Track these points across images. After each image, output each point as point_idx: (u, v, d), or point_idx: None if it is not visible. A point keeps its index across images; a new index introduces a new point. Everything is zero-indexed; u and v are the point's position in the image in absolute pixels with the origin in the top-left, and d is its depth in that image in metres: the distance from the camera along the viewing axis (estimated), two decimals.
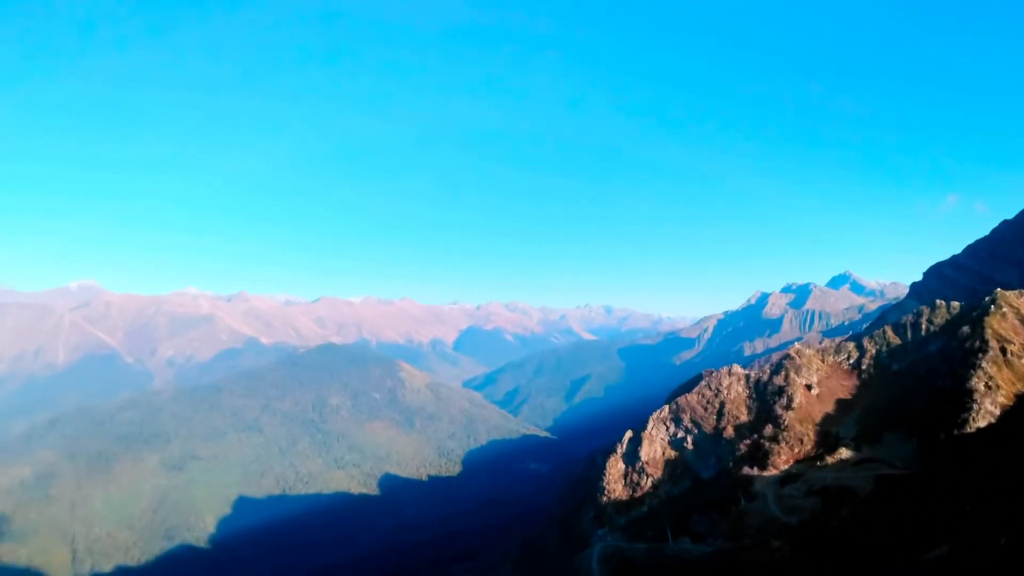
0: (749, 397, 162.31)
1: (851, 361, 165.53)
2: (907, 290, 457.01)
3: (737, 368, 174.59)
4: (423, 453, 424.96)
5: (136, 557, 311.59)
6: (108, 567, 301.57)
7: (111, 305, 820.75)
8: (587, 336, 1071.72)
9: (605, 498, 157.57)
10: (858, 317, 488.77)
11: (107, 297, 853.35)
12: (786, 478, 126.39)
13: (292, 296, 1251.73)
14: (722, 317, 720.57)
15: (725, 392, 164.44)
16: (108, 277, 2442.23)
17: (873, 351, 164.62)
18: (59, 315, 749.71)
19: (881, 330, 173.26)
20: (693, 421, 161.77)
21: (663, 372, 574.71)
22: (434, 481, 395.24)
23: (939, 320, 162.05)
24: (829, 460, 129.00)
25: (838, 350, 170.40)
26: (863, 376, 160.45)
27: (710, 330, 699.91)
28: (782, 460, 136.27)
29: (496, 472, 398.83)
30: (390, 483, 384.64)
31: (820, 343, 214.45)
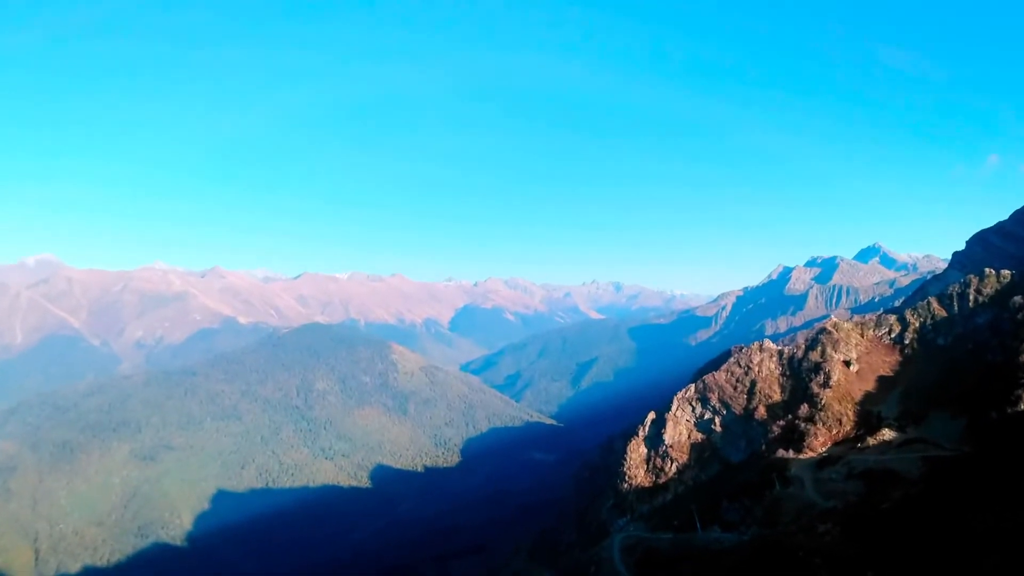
0: (782, 375, 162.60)
1: (893, 335, 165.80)
2: (942, 263, 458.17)
3: (769, 344, 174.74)
4: (418, 442, 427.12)
5: (105, 556, 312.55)
6: (75, 567, 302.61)
7: (73, 282, 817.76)
8: (594, 315, 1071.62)
9: (626, 485, 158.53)
10: (889, 292, 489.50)
11: (68, 273, 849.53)
12: (824, 461, 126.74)
13: (271, 272, 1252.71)
14: (741, 294, 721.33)
15: (756, 370, 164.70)
16: (68, 251, 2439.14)
17: (916, 324, 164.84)
18: (15, 293, 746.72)
19: (925, 302, 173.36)
20: (721, 401, 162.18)
21: (677, 354, 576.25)
22: (431, 472, 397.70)
23: (988, 290, 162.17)
24: (871, 442, 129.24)
25: (878, 323, 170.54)
26: (906, 351, 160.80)
27: (728, 308, 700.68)
28: (819, 442, 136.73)
29: (498, 462, 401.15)
30: (383, 475, 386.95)
31: (850, 319, 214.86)
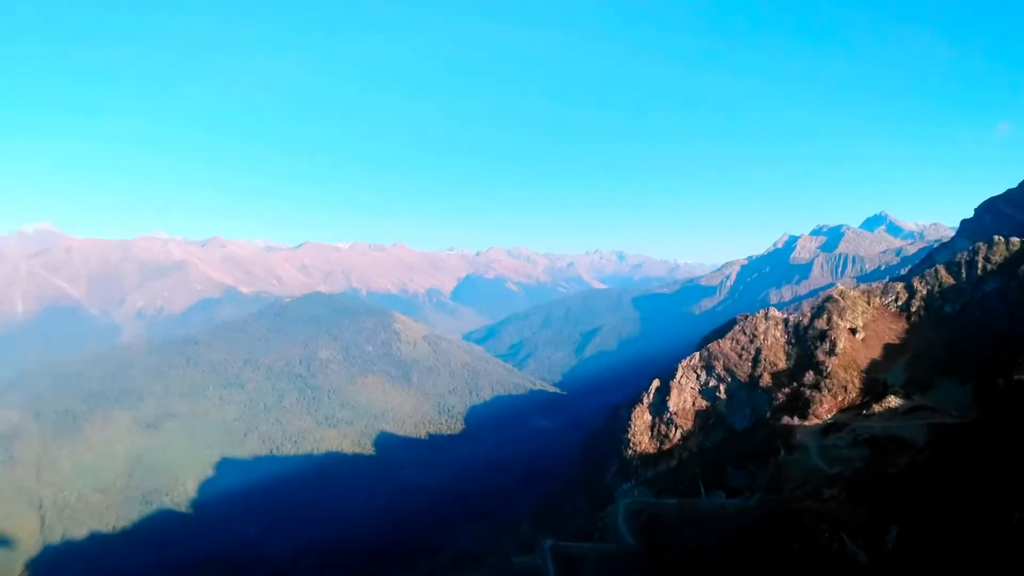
0: (788, 343, 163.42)
1: (899, 303, 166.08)
2: (949, 232, 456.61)
3: (774, 312, 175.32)
4: (421, 410, 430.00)
5: (111, 523, 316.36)
6: (81, 534, 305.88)
7: (72, 251, 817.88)
8: (597, 285, 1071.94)
9: (630, 451, 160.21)
10: (896, 261, 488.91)
11: (67, 242, 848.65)
12: (829, 428, 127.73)
13: (272, 241, 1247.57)
14: (746, 263, 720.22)
15: (761, 338, 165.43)
16: (66, 220, 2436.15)
17: (924, 292, 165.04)
18: (14, 262, 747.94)
19: (932, 269, 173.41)
20: (726, 369, 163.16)
21: (681, 323, 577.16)
22: (434, 439, 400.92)
23: (997, 258, 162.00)
24: (876, 408, 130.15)
25: (885, 291, 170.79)
26: (913, 319, 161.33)
27: (733, 277, 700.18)
28: (824, 409, 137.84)
29: (501, 430, 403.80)
30: (386, 442, 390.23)
31: (856, 288, 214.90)
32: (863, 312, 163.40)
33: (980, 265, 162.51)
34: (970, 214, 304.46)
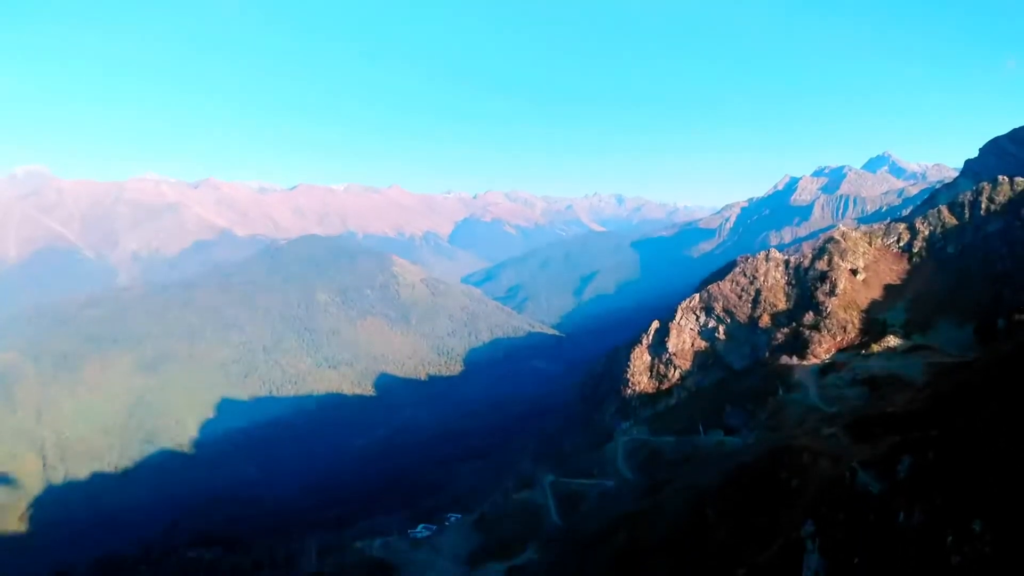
0: (788, 284, 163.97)
1: (901, 244, 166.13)
2: (953, 172, 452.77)
3: (775, 253, 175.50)
4: (421, 352, 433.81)
5: (113, 463, 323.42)
6: (83, 474, 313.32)
7: (64, 193, 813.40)
8: (596, 228, 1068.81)
9: (629, 391, 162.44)
10: (897, 202, 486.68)
11: (59, 184, 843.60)
12: (828, 368, 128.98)
13: (266, 183, 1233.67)
14: (746, 205, 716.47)
15: (762, 279, 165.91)
16: (57, 162, 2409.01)
17: (926, 232, 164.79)
18: (6, 205, 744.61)
19: (935, 210, 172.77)
20: (726, 310, 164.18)
21: (680, 266, 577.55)
22: (434, 381, 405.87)
23: (1001, 198, 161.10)
24: (875, 348, 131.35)
25: (887, 232, 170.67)
26: (914, 260, 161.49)
27: (732, 219, 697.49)
28: (823, 349, 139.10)
29: (501, 371, 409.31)
30: (387, 383, 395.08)
31: (856, 229, 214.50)
32: (864, 253, 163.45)
33: (983, 205, 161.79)
34: (975, 155, 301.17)
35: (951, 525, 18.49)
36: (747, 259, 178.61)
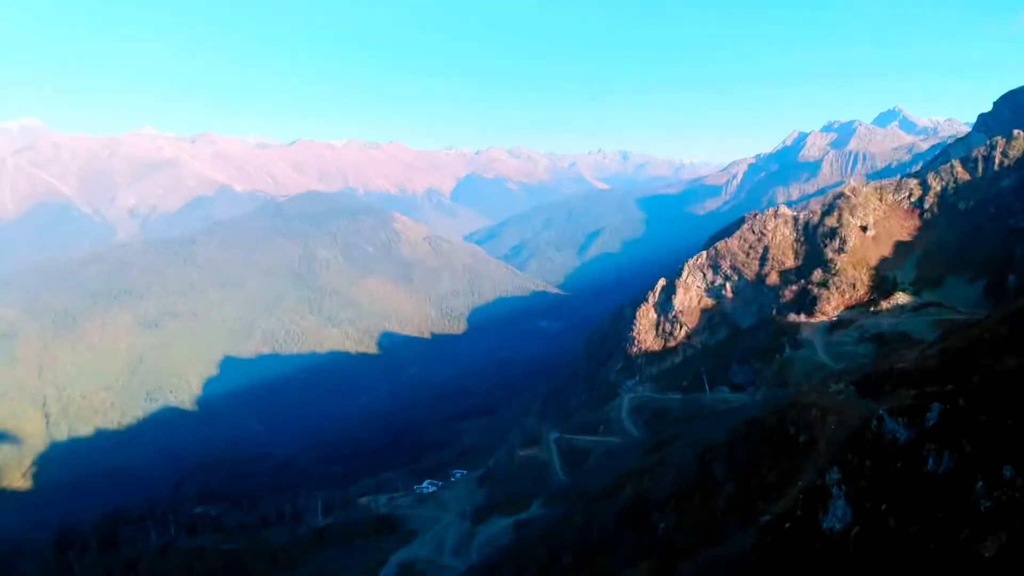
0: (796, 240, 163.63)
1: (912, 200, 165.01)
2: (965, 127, 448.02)
3: (784, 209, 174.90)
4: (424, 310, 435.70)
5: (116, 420, 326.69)
6: (86, 431, 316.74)
7: (60, 147, 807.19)
8: (600, 185, 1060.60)
9: (635, 349, 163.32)
10: (908, 158, 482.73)
11: (54, 138, 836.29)
12: (836, 325, 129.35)
13: (264, 138, 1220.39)
14: (753, 161, 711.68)
15: (770, 236, 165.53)
16: (51, 116, 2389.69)
17: (938, 188, 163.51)
18: (1, 159, 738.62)
19: (948, 165, 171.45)
20: (733, 267, 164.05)
21: (686, 224, 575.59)
22: (437, 339, 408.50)
23: (1015, 152, 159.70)
24: (884, 306, 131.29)
25: (898, 188, 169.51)
26: (925, 216, 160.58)
27: (739, 176, 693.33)
28: (832, 306, 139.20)
29: (505, 330, 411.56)
30: (390, 341, 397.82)
31: (866, 185, 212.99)
32: (875, 209, 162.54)
33: (997, 160, 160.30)
34: (988, 109, 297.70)
35: (981, 471, 18.45)
36: (755, 216, 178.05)
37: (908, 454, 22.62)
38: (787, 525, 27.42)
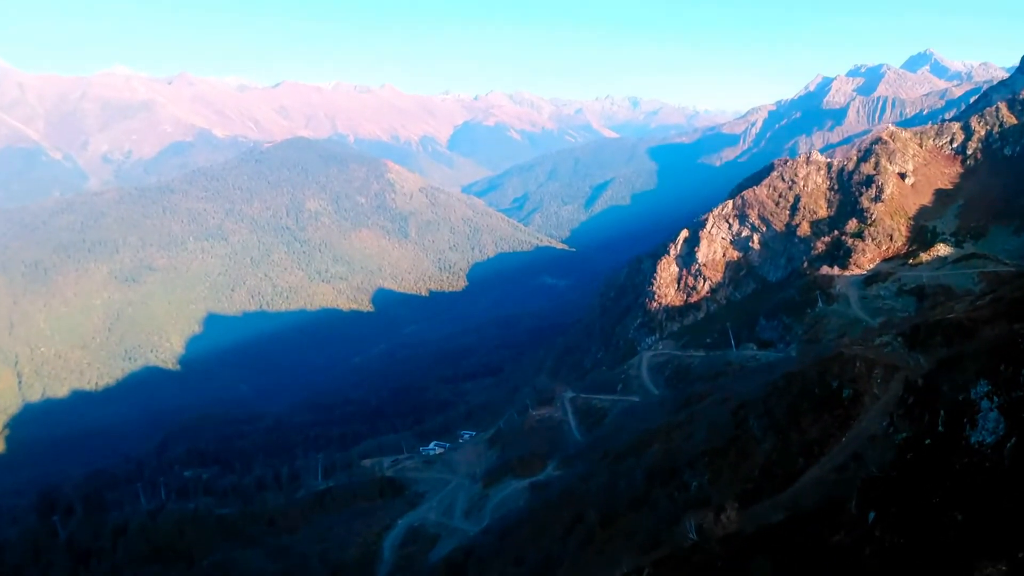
0: (830, 189, 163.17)
1: (955, 145, 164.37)
2: (1001, 72, 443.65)
3: (817, 156, 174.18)
4: (421, 266, 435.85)
5: (93, 380, 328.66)
6: (62, 391, 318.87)
7: (25, 88, 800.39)
8: (609, 134, 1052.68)
9: (655, 304, 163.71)
10: (940, 104, 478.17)
11: (19, 78, 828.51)
12: (872, 278, 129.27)
13: (245, 79, 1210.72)
14: (774, 108, 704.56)
15: (801, 184, 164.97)
16: (14, 55, 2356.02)
17: (982, 132, 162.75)
18: None
19: (993, 108, 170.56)
20: (761, 218, 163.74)
21: (701, 175, 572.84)
22: (436, 296, 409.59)
23: None
24: (924, 257, 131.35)
25: (940, 132, 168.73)
26: (968, 162, 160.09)
27: (759, 124, 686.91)
28: (867, 259, 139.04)
29: (507, 287, 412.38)
30: (385, 298, 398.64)
31: (905, 130, 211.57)
32: (914, 155, 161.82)
33: None
34: None
35: None
36: (785, 162, 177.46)
37: None
38: (927, 441, 27.83)
